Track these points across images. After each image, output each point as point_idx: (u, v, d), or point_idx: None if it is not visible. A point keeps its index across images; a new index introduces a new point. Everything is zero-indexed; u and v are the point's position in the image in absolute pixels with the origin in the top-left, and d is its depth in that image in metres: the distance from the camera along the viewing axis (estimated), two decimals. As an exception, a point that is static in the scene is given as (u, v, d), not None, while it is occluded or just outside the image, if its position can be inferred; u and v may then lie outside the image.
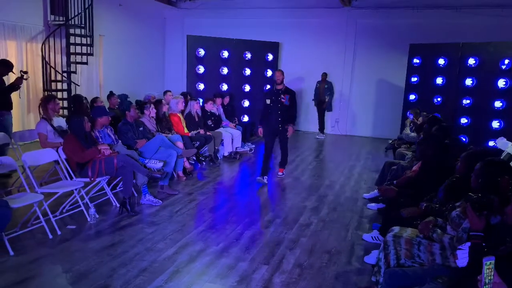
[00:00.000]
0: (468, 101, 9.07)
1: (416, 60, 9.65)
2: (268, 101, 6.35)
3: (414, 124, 7.61)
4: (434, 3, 10.33)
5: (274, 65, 10.71)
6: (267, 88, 9.66)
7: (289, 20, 11.61)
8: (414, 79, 9.73)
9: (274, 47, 10.76)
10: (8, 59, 8.15)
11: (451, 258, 2.66)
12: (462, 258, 2.29)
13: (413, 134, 7.21)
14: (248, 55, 10.49)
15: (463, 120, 9.18)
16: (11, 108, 6.33)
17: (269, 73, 10.63)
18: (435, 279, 2.46)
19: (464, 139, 8.76)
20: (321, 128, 11.30)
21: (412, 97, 9.78)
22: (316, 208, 5.28)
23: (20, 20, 8.34)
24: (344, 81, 11.59)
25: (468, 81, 9.03)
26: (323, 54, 11.58)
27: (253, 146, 8.94)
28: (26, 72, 6.31)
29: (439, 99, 9.41)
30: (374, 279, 3.09)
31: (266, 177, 6.35)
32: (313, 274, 3.55)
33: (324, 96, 11.17)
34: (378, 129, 11.35)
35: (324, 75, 11.19)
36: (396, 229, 3.21)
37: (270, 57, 10.65)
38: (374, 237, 4.23)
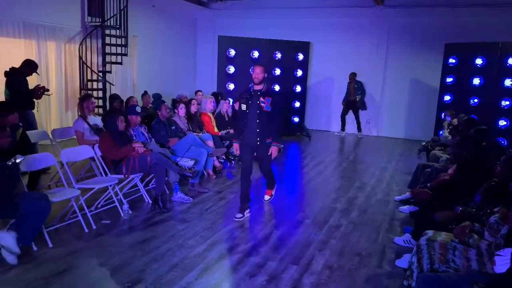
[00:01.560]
0: (507, 103, 8.71)
1: (451, 60, 9.36)
2: (244, 107, 4.66)
3: (450, 125, 7.39)
4: (471, 1, 9.99)
5: (304, 65, 10.68)
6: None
7: (320, 19, 11.52)
8: (449, 79, 9.44)
9: (304, 47, 10.72)
10: (48, 59, 8.56)
11: (489, 265, 2.57)
12: (501, 264, 2.22)
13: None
14: (278, 55, 10.50)
15: (502, 122, 8.82)
16: (34, 108, 6.35)
17: (299, 73, 10.60)
18: (471, 285, 2.39)
19: (503, 142, 8.43)
20: (358, 127, 11.33)
21: (447, 98, 9.50)
22: (346, 210, 5.22)
23: (59, 22, 8.67)
24: (376, 81, 11.38)
25: (508, 82, 8.68)
26: (354, 54, 11.43)
27: (282, 145, 8.92)
28: (47, 90, 6.31)
29: (475, 100, 9.09)
30: (406, 283, 3.03)
31: (248, 211, 4.78)
32: (343, 276, 3.51)
33: (354, 96, 11.07)
34: (411, 131, 11.09)
35: (353, 75, 11.08)
36: (430, 233, 3.13)
37: (301, 56, 10.61)
38: (406, 240, 4.15)
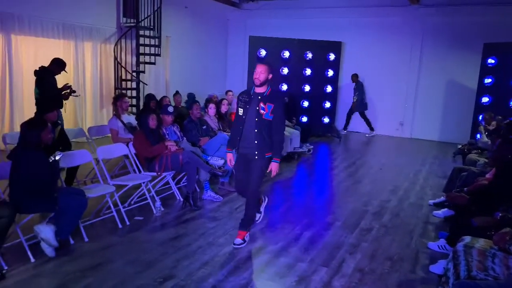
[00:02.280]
0: (550, 105, 8.32)
1: (491, 60, 9.02)
2: (240, 111, 3.86)
3: (486, 130, 7.10)
4: (513, -1, 9.59)
5: (336, 65, 10.57)
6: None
7: (352, 19, 11.36)
8: (488, 80, 9.10)
9: (336, 47, 10.59)
10: (85, 59, 8.84)
11: (532, 274, 2.45)
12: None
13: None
14: (309, 55, 10.43)
15: (544, 126, 8.41)
16: (62, 107, 6.21)
17: (330, 73, 10.49)
18: (512, 294, 2.28)
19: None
20: (369, 127, 11.38)
21: (485, 99, 9.16)
22: (378, 213, 5.12)
23: (96, 23, 8.94)
24: (409, 82, 11.10)
25: (552, 83, 8.28)
26: (387, 54, 11.19)
27: (312, 146, 8.86)
28: (74, 91, 6.24)
29: (516, 102, 8.73)
30: (441, 290, 2.94)
31: (248, 234, 4.04)
32: (374, 279, 3.45)
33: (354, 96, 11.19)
34: (446, 133, 10.75)
35: (354, 76, 11.09)
36: (467, 238, 3.02)
37: (332, 56, 10.50)
38: (441, 246, 4.02)
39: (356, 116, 11.58)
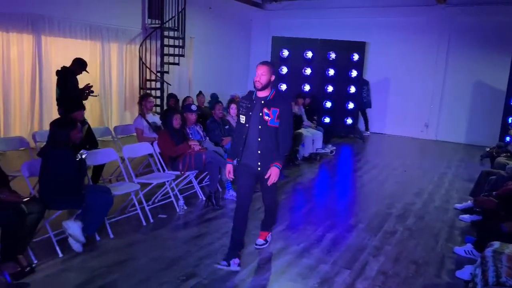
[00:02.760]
0: None
1: (521, 61, 8.74)
2: (242, 119, 3.49)
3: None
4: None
5: (359, 66, 10.44)
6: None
7: (377, 19, 11.21)
8: (518, 81, 8.82)
9: (360, 47, 10.46)
10: (111, 59, 9.03)
11: None
12: None
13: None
14: (333, 55, 10.35)
15: None
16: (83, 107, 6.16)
17: (354, 73, 10.38)
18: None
19: None
20: (366, 126, 11.52)
21: (515, 101, 8.88)
22: (402, 216, 5.03)
23: (122, 24, 9.13)
24: (435, 83, 10.87)
25: None
26: (412, 54, 10.99)
27: (334, 148, 8.80)
28: (93, 92, 6.21)
29: (548, 104, 8.43)
30: (469, 296, 2.87)
31: (237, 260, 3.47)
32: (398, 283, 3.39)
33: None
34: (473, 135, 10.47)
35: None
36: (496, 244, 2.94)
37: (356, 57, 10.37)
38: (468, 251, 3.92)
39: (378, 117, 11.44)
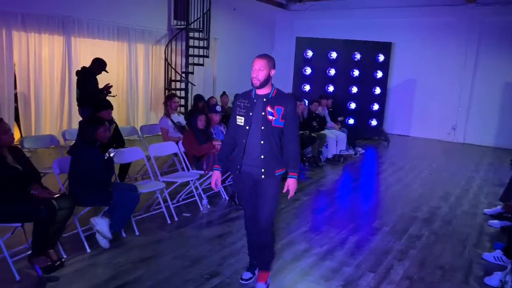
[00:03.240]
0: None
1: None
2: (239, 120, 3.01)
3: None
4: None
5: (385, 67, 10.30)
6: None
7: (403, 19, 11.02)
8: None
9: (386, 48, 10.32)
10: (137, 60, 9.19)
11: None
12: None
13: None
14: (358, 56, 10.24)
15: None
16: (108, 108, 6.12)
17: (379, 74, 10.24)
18: None
19: None
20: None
21: (548, 103, 8.56)
22: (428, 220, 4.93)
23: (148, 25, 9.29)
24: (463, 84, 10.60)
25: None
26: (439, 55, 10.76)
27: (361, 149, 8.69)
28: (110, 92, 6.24)
29: None
30: (498, 303, 2.79)
31: (269, 276, 3.25)
32: (424, 288, 3.33)
33: None
34: (502, 138, 10.16)
35: None
36: (528, 251, 2.85)
37: (381, 57, 10.23)
38: (497, 257, 3.81)
39: (403, 118, 11.24)
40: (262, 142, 2.93)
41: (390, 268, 3.64)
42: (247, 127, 2.94)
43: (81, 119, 5.41)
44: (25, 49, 7.32)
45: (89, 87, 6.02)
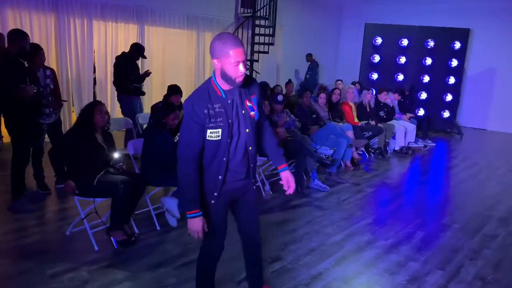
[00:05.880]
0: None
1: None
2: (216, 134, 2.16)
3: None
4: None
5: (461, 55, 9.63)
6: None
7: (483, 4, 10.17)
8: None
9: (463, 35, 9.62)
10: (205, 48, 9.42)
11: None
12: None
13: None
14: (431, 43, 9.66)
15: None
16: (140, 94, 6.30)
17: (455, 62, 9.60)
18: None
19: None
20: None
21: None
22: (506, 220, 4.58)
23: (216, 14, 9.46)
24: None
25: None
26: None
27: (431, 142, 8.24)
28: (148, 75, 6.28)
29: None
30: None
31: None
32: (499, 291, 3.12)
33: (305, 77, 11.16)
34: None
35: (309, 55, 11.22)
36: None
37: (458, 45, 9.57)
38: None
39: (480, 111, 10.47)
40: (250, 148, 2.28)
41: (460, 267, 3.45)
42: (229, 140, 2.20)
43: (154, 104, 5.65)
44: (103, 37, 7.81)
45: (128, 72, 6.03)
